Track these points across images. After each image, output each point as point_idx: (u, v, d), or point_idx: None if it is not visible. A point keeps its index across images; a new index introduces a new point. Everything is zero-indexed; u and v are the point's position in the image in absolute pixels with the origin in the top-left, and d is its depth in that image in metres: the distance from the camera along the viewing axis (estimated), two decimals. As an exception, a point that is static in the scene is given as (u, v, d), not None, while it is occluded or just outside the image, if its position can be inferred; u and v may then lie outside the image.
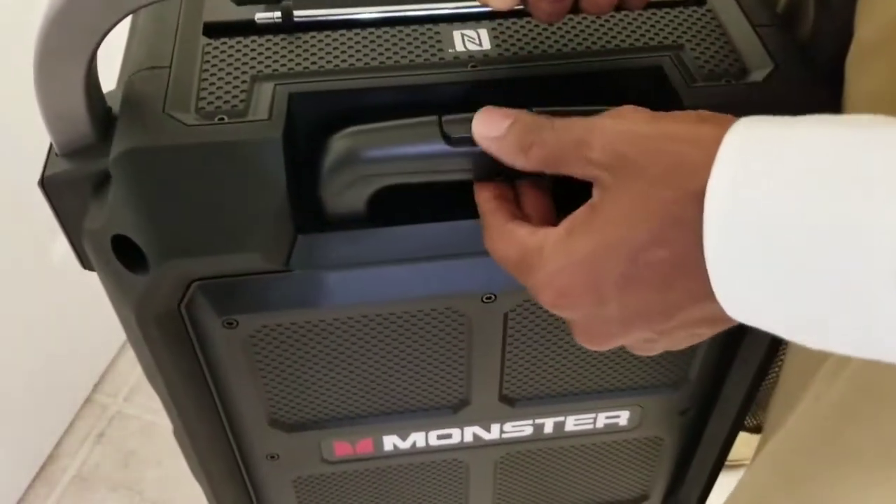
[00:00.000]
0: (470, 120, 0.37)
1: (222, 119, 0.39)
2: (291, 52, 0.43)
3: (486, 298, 0.44)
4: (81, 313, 1.17)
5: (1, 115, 0.97)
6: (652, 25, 0.45)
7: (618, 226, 0.31)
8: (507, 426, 0.54)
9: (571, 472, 0.61)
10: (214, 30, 0.44)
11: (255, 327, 0.44)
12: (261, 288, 0.41)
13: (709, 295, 0.29)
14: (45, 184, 0.40)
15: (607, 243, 0.31)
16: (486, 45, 0.44)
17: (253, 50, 0.43)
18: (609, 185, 0.32)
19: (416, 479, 0.59)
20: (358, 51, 0.43)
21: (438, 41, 0.44)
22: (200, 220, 0.39)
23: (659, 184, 0.30)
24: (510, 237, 0.36)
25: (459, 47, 0.43)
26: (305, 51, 0.43)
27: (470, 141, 0.37)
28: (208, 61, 0.42)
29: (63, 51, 0.37)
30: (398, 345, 0.47)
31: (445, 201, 0.41)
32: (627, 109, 0.33)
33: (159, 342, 0.44)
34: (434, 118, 0.38)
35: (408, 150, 0.38)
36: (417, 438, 0.54)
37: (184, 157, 0.38)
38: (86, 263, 0.44)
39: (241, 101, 0.40)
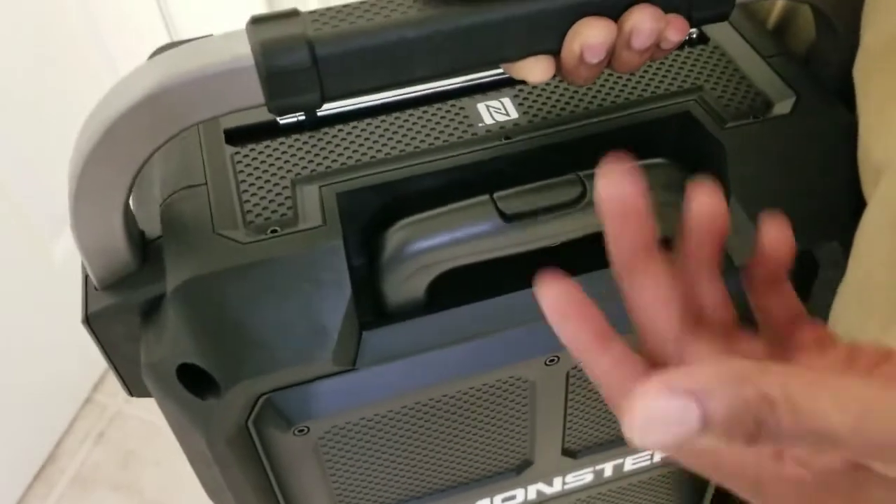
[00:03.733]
0: (524, 193, 0.37)
1: (275, 231, 0.38)
2: (322, 148, 0.42)
3: (549, 361, 0.43)
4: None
5: (1, 116, 0.97)
6: (668, 70, 0.45)
7: None
8: (569, 477, 0.53)
9: None
10: (237, 137, 0.43)
11: (324, 430, 0.43)
12: (329, 390, 0.40)
13: None
14: (91, 321, 0.39)
15: None
16: (514, 113, 0.43)
17: (283, 152, 0.42)
18: None
19: None
20: (389, 138, 0.43)
21: (466, 117, 0.43)
22: (270, 336, 0.38)
23: None
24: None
25: (489, 120, 0.43)
26: (336, 146, 0.42)
27: (525, 215, 0.37)
28: (242, 171, 0.41)
29: (100, 189, 0.36)
30: (463, 420, 0.46)
31: (498, 274, 0.40)
32: None
33: (230, 461, 0.43)
34: (486, 197, 0.38)
35: (466, 234, 0.38)
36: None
37: (247, 278, 0.37)
38: (136, 391, 0.43)
39: (288, 208, 0.39)
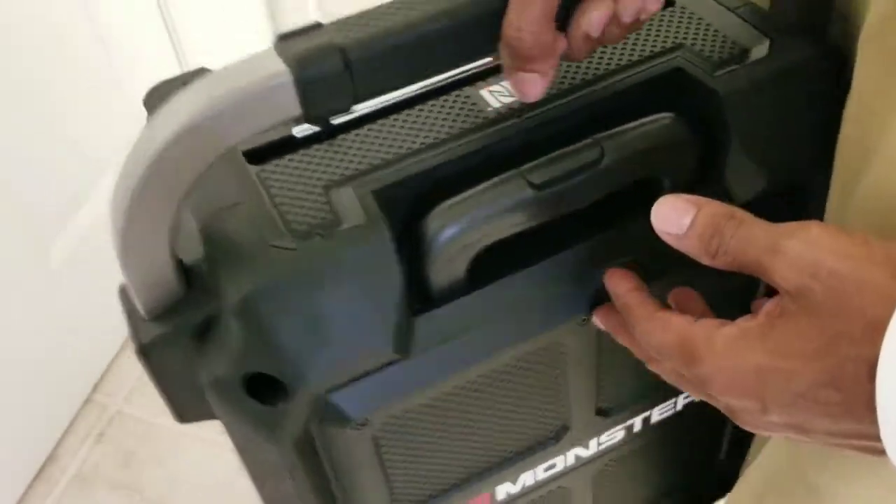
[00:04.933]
0: (548, 163, 0.40)
1: (321, 234, 0.39)
2: (345, 154, 0.43)
3: (582, 321, 0.45)
4: (81, 313, 1.17)
5: (1, 116, 0.97)
6: (647, 36, 0.47)
7: (793, 356, 0.32)
8: (603, 437, 0.55)
9: (655, 464, 0.63)
10: (257, 156, 0.44)
11: (381, 421, 0.44)
12: (385, 381, 0.42)
13: (876, 436, 0.30)
14: (146, 352, 0.39)
15: (780, 368, 0.32)
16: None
17: (308, 163, 0.43)
18: (789, 310, 0.32)
19: None
20: (406, 135, 0.44)
21: (474, 104, 0.45)
22: (332, 333, 0.39)
23: (841, 335, 0.30)
24: (667, 324, 0.37)
25: (496, 104, 0.45)
26: (358, 149, 0.43)
27: (554, 182, 0.40)
28: (272, 186, 0.42)
29: (149, 222, 0.36)
30: (506, 394, 0.48)
31: (525, 244, 0.42)
32: (815, 230, 0.32)
33: (298, 465, 0.44)
34: (515, 171, 0.40)
35: (501, 208, 0.40)
36: (526, 478, 0.55)
37: (305, 281, 0.38)
38: (189, 415, 0.44)
39: (327, 212, 0.40)
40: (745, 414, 0.36)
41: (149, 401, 1.23)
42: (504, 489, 0.54)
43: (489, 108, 0.45)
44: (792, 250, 0.32)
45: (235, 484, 1.14)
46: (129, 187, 0.35)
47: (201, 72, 0.35)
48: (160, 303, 0.39)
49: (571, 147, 0.41)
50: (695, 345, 0.35)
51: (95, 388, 1.25)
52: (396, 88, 0.39)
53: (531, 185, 0.40)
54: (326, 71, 0.34)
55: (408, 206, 0.42)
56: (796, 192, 0.46)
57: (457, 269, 0.42)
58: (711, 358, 0.35)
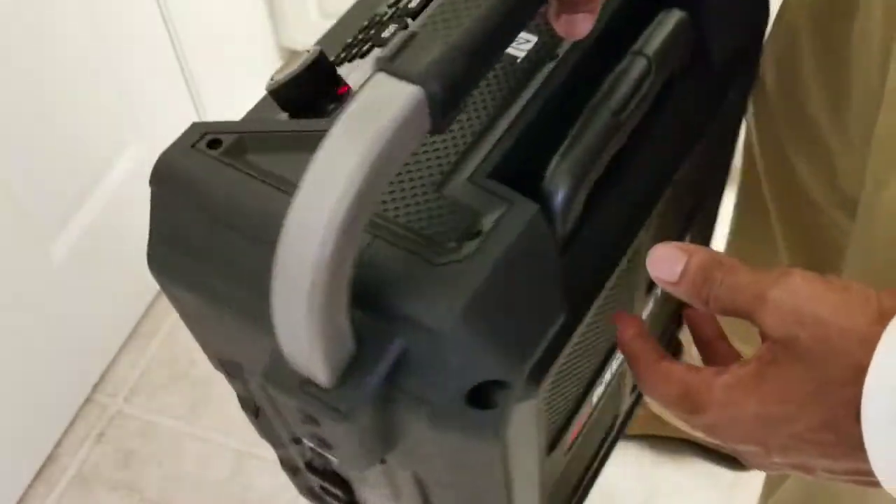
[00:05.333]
0: (612, 88, 0.43)
1: (478, 233, 0.39)
2: (425, 151, 0.43)
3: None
4: (81, 313, 1.17)
5: (2, 116, 0.97)
6: None
7: (787, 402, 0.34)
8: (645, 312, 0.61)
9: None
10: None
11: (549, 383, 0.45)
12: (555, 344, 0.42)
13: (873, 472, 0.32)
14: (350, 419, 0.38)
15: (776, 414, 0.34)
16: (533, 38, 0.47)
17: (401, 179, 0.43)
18: (778, 358, 0.34)
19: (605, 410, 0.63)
20: (471, 110, 0.44)
21: (503, 61, 0.46)
22: (524, 318, 0.40)
23: (830, 381, 0.32)
24: (669, 376, 0.39)
25: (521, 53, 0.46)
26: (433, 142, 0.43)
27: (627, 103, 0.43)
28: (388, 212, 0.41)
29: (333, 297, 0.34)
30: (617, 296, 0.51)
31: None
32: (797, 280, 0.34)
33: (509, 456, 0.43)
34: (593, 106, 0.43)
35: (602, 143, 0.42)
36: (608, 374, 0.57)
37: (493, 279, 0.38)
38: (374, 459, 0.43)
39: (460, 212, 0.40)
40: (752, 457, 0.38)
41: (149, 401, 1.23)
42: (597, 393, 0.56)
43: (519, 60, 0.45)
44: (776, 298, 0.34)
45: (235, 484, 1.14)
46: (308, 276, 0.33)
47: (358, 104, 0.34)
48: (340, 366, 0.37)
49: (620, 67, 0.43)
50: (695, 397, 0.37)
51: (95, 388, 1.24)
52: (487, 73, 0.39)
53: (614, 113, 0.42)
54: (456, 75, 0.34)
55: (516, 174, 0.42)
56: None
57: (577, 211, 0.43)
58: (711, 409, 0.36)
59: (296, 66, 0.44)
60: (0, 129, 0.97)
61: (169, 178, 0.44)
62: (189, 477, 1.17)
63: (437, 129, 0.35)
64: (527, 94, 0.44)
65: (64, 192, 1.11)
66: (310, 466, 0.57)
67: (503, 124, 0.43)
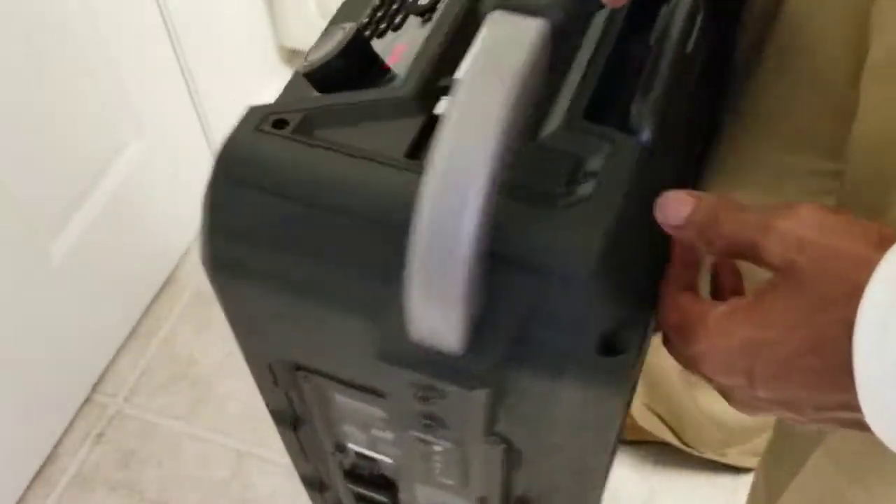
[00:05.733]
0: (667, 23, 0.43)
1: (589, 176, 0.38)
2: None
3: None
4: (81, 313, 1.17)
5: (1, 116, 0.97)
6: None
7: (776, 326, 0.34)
8: None
9: None
10: (415, 153, 0.43)
11: None
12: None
13: (859, 407, 0.31)
14: (486, 381, 0.37)
15: (764, 339, 0.34)
16: None
17: None
18: (776, 284, 0.34)
19: None
20: None
21: None
22: (649, 258, 0.40)
23: (823, 300, 0.32)
24: (675, 303, 0.39)
25: None
26: None
27: (688, 34, 0.43)
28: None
29: (480, 242, 0.33)
30: None
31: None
32: (804, 210, 0.34)
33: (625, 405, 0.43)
34: (658, 42, 0.43)
35: (674, 78, 0.43)
36: None
37: (626, 223, 0.37)
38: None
39: (553, 157, 0.39)
40: (737, 392, 0.37)
41: (149, 401, 1.23)
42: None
43: None
44: (781, 227, 0.34)
45: (235, 484, 1.14)
46: (464, 223, 0.31)
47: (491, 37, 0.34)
48: (471, 329, 0.36)
49: (666, 7, 0.44)
50: (691, 324, 0.37)
51: (95, 387, 1.24)
52: None
53: (678, 48, 0.42)
54: (574, 4, 0.33)
55: (601, 117, 0.41)
56: None
57: (662, 147, 0.43)
58: (705, 337, 0.36)
59: (331, 45, 0.43)
60: (0, 129, 0.97)
61: (242, 164, 0.41)
62: (189, 477, 1.17)
63: (555, 64, 0.34)
64: (589, 43, 0.44)
65: (64, 191, 1.11)
66: (351, 475, 0.56)
67: (577, 71, 0.43)
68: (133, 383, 1.25)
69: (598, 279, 0.36)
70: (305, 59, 0.43)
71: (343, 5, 0.50)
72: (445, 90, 0.42)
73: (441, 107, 0.42)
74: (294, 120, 0.41)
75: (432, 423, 0.41)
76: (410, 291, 0.33)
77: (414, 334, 0.36)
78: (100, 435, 1.21)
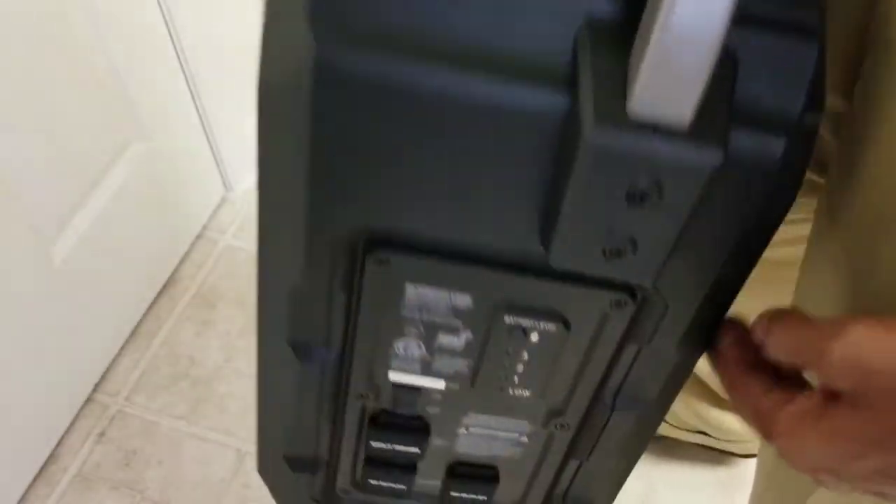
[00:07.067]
0: None
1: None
2: None
3: None
4: (82, 313, 1.17)
5: (2, 116, 0.97)
6: None
7: (856, 440, 0.35)
8: None
9: None
10: None
11: None
12: None
13: None
14: (718, 158, 0.33)
15: (844, 451, 0.35)
16: None
17: None
18: (844, 398, 0.35)
19: None
20: None
21: None
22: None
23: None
24: (746, 391, 0.39)
25: None
26: None
27: None
28: None
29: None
30: None
31: None
32: (861, 332, 0.34)
33: None
34: None
35: None
36: None
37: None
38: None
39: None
40: (825, 482, 0.38)
41: (149, 400, 1.23)
42: None
43: None
44: (839, 356, 0.34)
45: (236, 483, 1.14)
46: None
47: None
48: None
49: None
50: (765, 422, 0.38)
51: (96, 387, 1.25)
52: None
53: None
54: None
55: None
56: None
57: None
58: (779, 437, 0.37)
59: None
60: (0, 129, 0.97)
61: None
62: (190, 476, 1.17)
63: None
64: None
65: (64, 192, 1.11)
66: (376, 423, 0.50)
67: None
68: (134, 383, 1.25)
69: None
70: None
71: None
72: None
73: None
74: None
75: (617, 250, 0.36)
76: (646, 52, 0.30)
77: (636, 107, 0.31)
78: (101, 434, 1.21)
